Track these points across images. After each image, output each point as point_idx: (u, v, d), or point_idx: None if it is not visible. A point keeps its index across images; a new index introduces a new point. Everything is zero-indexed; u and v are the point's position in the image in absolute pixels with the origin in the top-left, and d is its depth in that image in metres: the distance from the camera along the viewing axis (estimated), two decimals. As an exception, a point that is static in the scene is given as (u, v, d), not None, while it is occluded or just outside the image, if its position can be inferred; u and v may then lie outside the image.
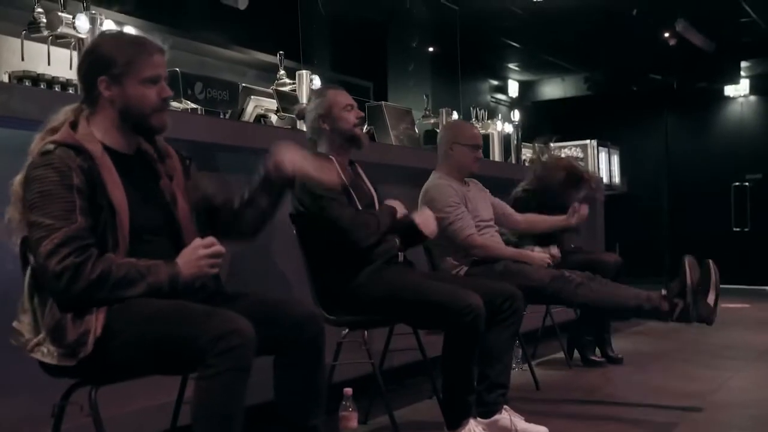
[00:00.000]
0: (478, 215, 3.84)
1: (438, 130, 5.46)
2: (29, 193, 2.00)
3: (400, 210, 3.14)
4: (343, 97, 3.18)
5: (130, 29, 3.84)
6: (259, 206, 2.37)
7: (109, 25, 3.81)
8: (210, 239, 2.12)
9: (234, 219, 2.38)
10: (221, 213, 2.38)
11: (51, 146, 2.03)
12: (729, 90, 11.34)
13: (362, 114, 3.23)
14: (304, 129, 3.33)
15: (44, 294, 2.03)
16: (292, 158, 2.34)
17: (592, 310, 3.67)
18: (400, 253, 3.15)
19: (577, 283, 3.60)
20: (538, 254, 3.87)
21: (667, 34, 9.73)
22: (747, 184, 10.98)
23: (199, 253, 2.09)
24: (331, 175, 2.63)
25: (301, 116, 4.00)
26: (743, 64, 11.03)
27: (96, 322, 1.98)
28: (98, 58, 2.14)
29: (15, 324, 2.07)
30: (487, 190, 4.08)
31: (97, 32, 3.57)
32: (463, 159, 3.81)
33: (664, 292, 3.41)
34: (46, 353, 2.01)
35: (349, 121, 3.14)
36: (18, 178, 2.05)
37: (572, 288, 3.60)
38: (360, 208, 3.09)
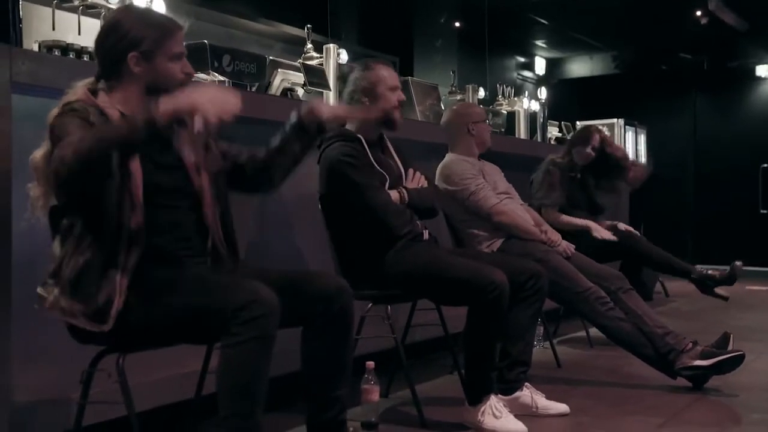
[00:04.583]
0: (497, 188, 3.85)
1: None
2: (55, 140, 2.00)
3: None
4: (391, 77, 3.10)
5: (160, 2, 3.84)
6: (291, 152, 2.42)
7: (139, -4, 3.81)
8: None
9: (263, 169, 2.42)
10: (247, 168, 2.42)
11: (73, 103, 2.07)
12: (761, 70, 11.16)
13: (404, 98, 3.16)
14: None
15: (70, 248, 2.04)
16: (328, 106, 2.64)
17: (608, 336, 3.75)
18: (425, 231, 3.15)
19: (609, 306, 3.64)
20: (564, 243, 3.95)
21: (698, 13, 9.58)
22: (776, 166, 10.83)
23: (222, 95, 1.99)
24: (366, 112, 2.91)
25: (343, 80, 3.98)
26: (776, 44, 10.86)
27: (118, 297, 2.00)
28: (126, 34, 2.15)
29: (39, 290, 2.10)
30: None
31: (127, 3, 3.58)
32: (484, 134, 3.87)
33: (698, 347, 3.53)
34: (67, 310, 2.03)
35: (391, 101, 3.07)
36: (39, 153, 2.06)
37: (602, 310, 3.64)
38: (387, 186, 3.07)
